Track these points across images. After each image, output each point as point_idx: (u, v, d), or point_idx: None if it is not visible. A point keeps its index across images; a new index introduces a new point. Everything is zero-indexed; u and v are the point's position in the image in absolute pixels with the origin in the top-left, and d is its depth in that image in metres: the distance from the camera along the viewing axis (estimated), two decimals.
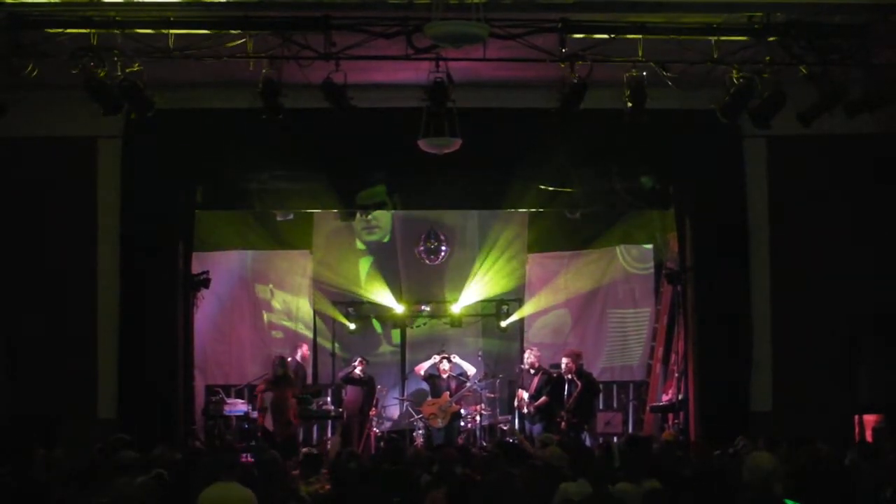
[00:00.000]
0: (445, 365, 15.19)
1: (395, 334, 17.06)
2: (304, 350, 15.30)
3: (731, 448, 10.44)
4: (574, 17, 10.36)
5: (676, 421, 13.91)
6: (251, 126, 11.81)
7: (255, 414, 14.49)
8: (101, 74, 10.23)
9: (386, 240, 16.93)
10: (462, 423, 15.15)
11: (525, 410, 14.56)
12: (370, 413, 15.16)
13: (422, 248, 16.87)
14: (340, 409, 15.15)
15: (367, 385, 15.34)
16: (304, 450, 10.34)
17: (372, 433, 15.07)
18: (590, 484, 7.67)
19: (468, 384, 15.18)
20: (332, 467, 9.08)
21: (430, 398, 15.16)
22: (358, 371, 15.30)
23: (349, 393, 15.37)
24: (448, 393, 14.97)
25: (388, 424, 15.95)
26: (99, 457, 9.25)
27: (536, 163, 12.78)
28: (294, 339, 16.14)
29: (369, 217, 16.40)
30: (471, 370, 15.31)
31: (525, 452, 10.13)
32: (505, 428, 15.21)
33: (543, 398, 14.28)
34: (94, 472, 8.41)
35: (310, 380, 15.93)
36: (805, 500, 7.26)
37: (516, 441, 13.12)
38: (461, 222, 17.05)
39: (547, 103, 11.16)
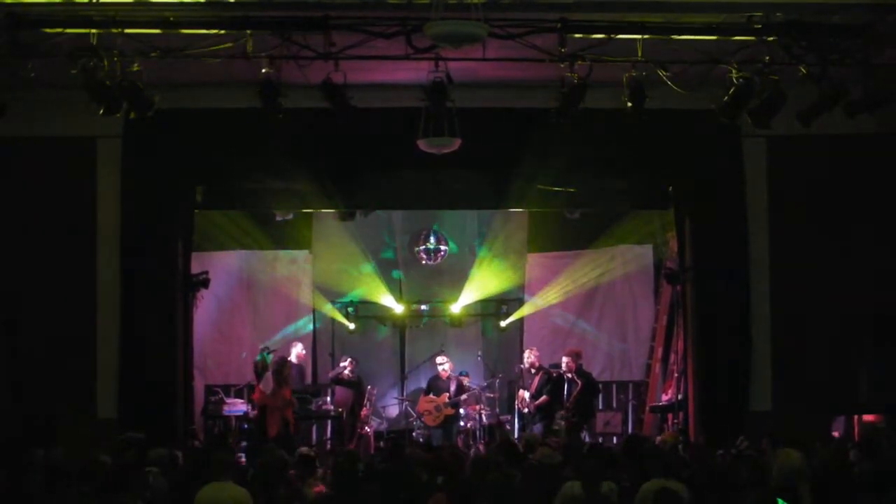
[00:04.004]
0: (446, 366, 15.19)
1: (395, 334, 17.05)
2: (297, 350, 15.19)
3: (734, 448, 10.44)
4: (574, 17, 10.35)
5: (676, 421, 13.91)
6: (251, 126, 11.83)
7: (254, 413, 14.50)
8: (101, 74, 10.22)
9: None
10: (462, 424, 15.16)
11: (526, 410, 14.56)
12: (360, 414, 15.15)
13: (421, 248, 16.87)
14: (340, 410, 15.14)
15: (356, 386, 15.31)
16: (302, 450, 10.34)
17: (365, 433, 15.06)
18: (581, 484, 7.68)
19: (467, 388, 15.15)
20: (335, 468, 9.08)
21: (428, 395, 15.14)
22: (347, 372, 15.28)
23: (338, 393, 15.35)
24: (447, 395, 14.97)
25: (386, 424, 15.96)
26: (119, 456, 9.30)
27: (536, 163, 12.75)
28: (293, 340, 16.09)
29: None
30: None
31: (521, 453, 10.14)
32: (507, 428, 15.22)
33: (544, 397, 14.29)
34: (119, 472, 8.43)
35: (309, 380, 15.90)
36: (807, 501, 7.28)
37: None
38: (461, 222, 17.06)
39: (547, 103, 11.15)
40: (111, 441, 10.43)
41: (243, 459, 12.26)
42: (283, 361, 14.45)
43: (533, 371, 14.67)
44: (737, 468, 9.00)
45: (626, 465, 8.83)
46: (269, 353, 14.41)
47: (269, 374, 14.11)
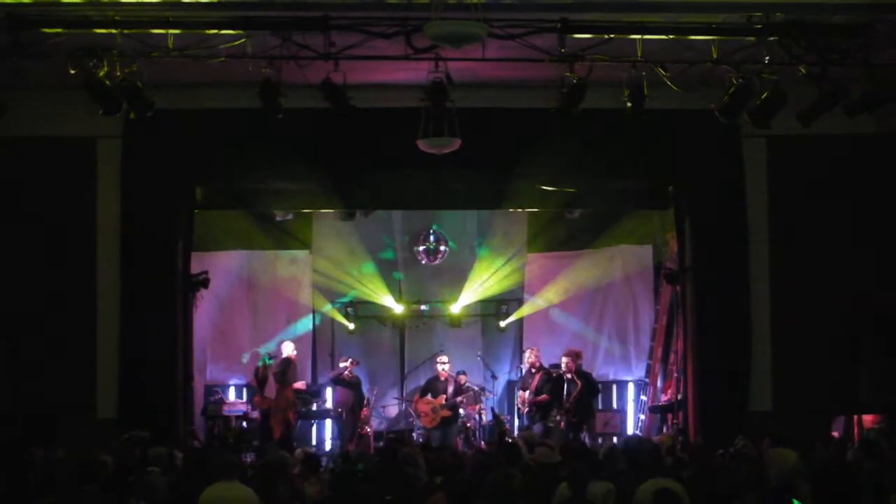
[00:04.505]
0: (446, 367, 15.17)
1: (395, 334, 17.04)
2: (288, 350, 15.08)
3: (732, 447, 10.44)
4: (574, 17, 10.34)
5: (675, 421, 13.92)
6: (251, 126, 11.83)
7: (254, 413, 14.53)
8: (101, 74, 10.23)
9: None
10: (461, 423, 15.14)
11: (526, 409, 14.53)
12: (361, 413, 15.15)
13: (421, 248, 16.87)
14: (340, 410, 15.14)
15: (356, 387, 15.29)
16: (299, 450, 10.35)
17: (365, 433, 15.06)
18: (569, 486, 7.68)
19: (465, 389, 15.11)
20: (334, 468, 9.09)
21: (426, 396, 15.13)
22: (347, 372, 15.25)
23: (339, 393, 15.34)
24: (444, 396, 14.94)
25: (386, 424, 15.95)
26: (123, 454, 9.31)
27: (536, 163, 12.76)
28: (292, 340, 16.08)
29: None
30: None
31: (520, 452, 10.15)
32: (507, 427, 15.21)
33: (544, 395, 14.29)
34: (124, 470, 8.44)
35: (309, 379, 15.92)
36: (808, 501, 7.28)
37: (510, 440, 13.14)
38: (461, 222, 17.05)
39: (547, 103, 11.15)
40: (115, 440, 10.45)
41: (247, 460, 12.23)
42: (286, 362, 14.48)
43: (533, 371, 14.66)
44: (737, 468, 9.00)
45: (623, 466, 8.82)
46: (270, 359, 14.43)
47: (272, 378, 14.13)
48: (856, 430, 12.86)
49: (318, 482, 8.84)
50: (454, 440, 14.63)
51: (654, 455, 8.90)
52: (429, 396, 15.10)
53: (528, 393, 14.49)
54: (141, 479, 8.01)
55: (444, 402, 14.89)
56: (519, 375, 15.96)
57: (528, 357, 14.84)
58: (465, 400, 15.06)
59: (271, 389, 14.25)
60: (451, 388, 15.00)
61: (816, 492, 7.64)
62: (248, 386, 15.37)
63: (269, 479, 8.43)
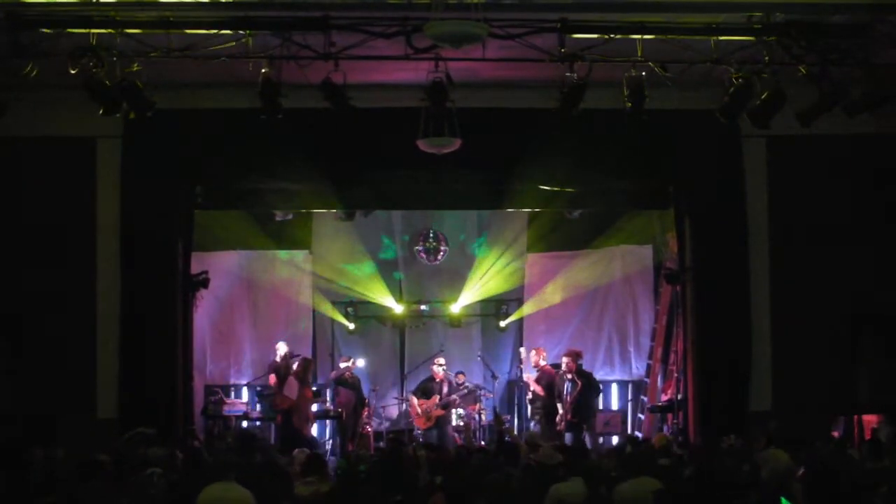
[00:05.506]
0: (442, 368, 15.16)
1: (395, 334, 17.05)
2: (282, 350, 15.01)
3: (726, 445, 10.45)
4: (574, 17, 10.35)
5: (675, 421, 13.92)
6: (251, 126, 11.80)
7: (255, 413, 14.55)
8: (101, 74, 10.23)
9: None
10: (461, 423, 15.13)
11: (529, 408, 14.54)
12: (362, 413, 15.16)
13: (421, 248, 16.88)
14: (339, 409, 15.14)
15: (356, 388, 15.30)
16: (297, 451, 10.35)
17: (365, 432, 15.06)
18: (584, 484, 7.69)
19: (459, 386, 15.12)
20: (336, 468, 9.09)
21: (420, 398, 15.13)
22: (348, 372, 15.25)
23: (342, 394, 15.35)
24: (437, 397, 14.94)
25: (386, 424, 15.96)
26: (124, 451, 9.32)
27: (536, 163, 12.76)
28: (294, 339, 16.08)
29: None
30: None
31: (520, 452, 10.16)
32: (507, 426, 15.22)
33: (543, 390, 14.32)
34: (120, 467, 8.44)
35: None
36: (807, 500, 7.29)
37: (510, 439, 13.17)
38: (461, 222, 17.06)
39: (547, 103, 11.14)
40: (119, 438, 10.45)
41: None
42: (307, 362, 14.53)
43: (536, 371, 14.67)
44: (737, 468, 9.00)
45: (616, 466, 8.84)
46: (290, 357, 14.49)
47: (292, 377, 14.16)
48: (856, 430, 12.87)
49: (320, 482, 8.83)
50: (448, 439, 14.63)
51: (648, 455, 8.91)
52: (422, 399, 15.10)
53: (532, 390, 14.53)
54: (140, 479, 8.01)
55: (437, 402, 14.90)
56: (518, 375, 15.97)
57: (532, 357, 14.84)
58: (458, 399, 15.05)
59: (292, 388, 14.25)
60: (445, 389, 15.01)
61: (815, 492, 7.64)
62: (248, 385, 15.34)
63: (267, 479, 8.42)
